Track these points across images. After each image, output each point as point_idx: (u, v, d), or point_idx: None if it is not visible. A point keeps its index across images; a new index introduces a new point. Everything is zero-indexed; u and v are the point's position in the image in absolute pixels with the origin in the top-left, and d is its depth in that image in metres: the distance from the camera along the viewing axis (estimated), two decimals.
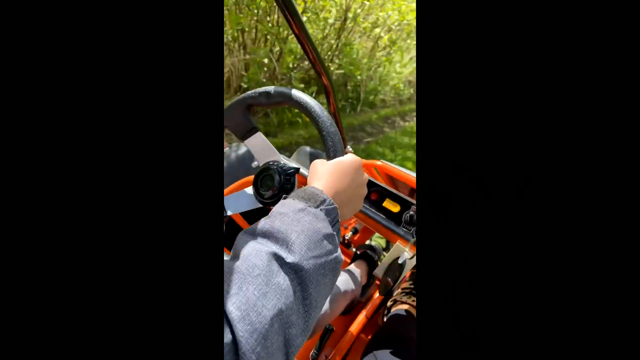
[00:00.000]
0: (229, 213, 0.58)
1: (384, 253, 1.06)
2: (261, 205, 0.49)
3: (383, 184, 0.71)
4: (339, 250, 0.34)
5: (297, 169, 0.48)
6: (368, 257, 0.99)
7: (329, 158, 0.43)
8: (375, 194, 0.70)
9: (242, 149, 1.01)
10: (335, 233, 0.34)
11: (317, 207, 0.35)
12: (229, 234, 0.88)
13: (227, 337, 0.26)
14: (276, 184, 0.46)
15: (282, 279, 0.29)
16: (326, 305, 0.75)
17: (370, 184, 0.71)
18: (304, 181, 0.56)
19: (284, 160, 0.51)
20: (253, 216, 0.82)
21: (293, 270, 0.30)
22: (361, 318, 0.92)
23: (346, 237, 1.14)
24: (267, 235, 0.32)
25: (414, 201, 0.68)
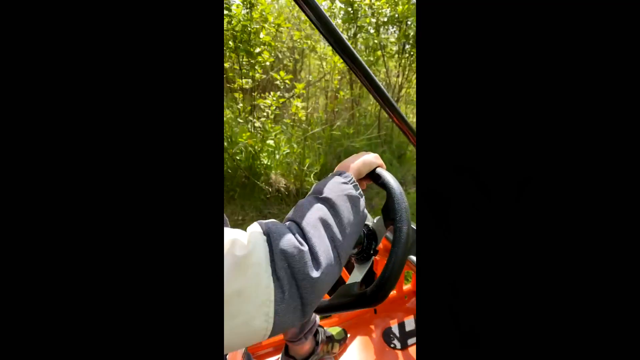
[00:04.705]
0: None
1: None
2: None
3: None
4: (354, 189, 0.51)
5: (382, 236, 0.59)
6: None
7: (395, 229, 0.49)
8: None
9: None
10: (347, 181, 0.52)
11: (339, 174, 0.55)
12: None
13: (289, 223, 0.46)
14: (362, 244, 0.59)
15: (318, 204, 0.48)
16: None
17: None
18: (387, 245, 0.63)
19: (372, 224, 0.62)
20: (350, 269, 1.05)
21: (325, 200, 0.49)
22: None
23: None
24: (311, 192, 0.53)
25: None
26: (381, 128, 3.59)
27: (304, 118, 2.79)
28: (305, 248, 0.41)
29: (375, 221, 0.61)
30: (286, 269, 0.40)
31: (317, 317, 1.03)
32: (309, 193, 0.53)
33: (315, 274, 0.41)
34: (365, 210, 0.52)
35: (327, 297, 0.70)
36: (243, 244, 0.40)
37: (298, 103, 2.65)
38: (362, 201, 0.51)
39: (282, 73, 2.63)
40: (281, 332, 0.41)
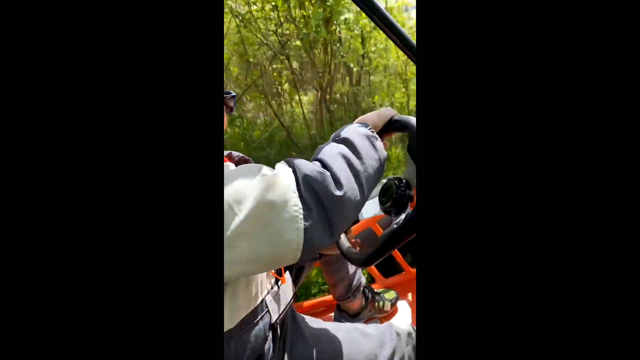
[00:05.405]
0: (363, 217, 1.03)
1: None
2: (383, 213, 0.64)
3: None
4: (371, 132, 0.54)
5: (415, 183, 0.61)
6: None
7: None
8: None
9: None
10: (363, 126, 0.56)
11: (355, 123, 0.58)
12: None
13: (316, 164, 0.47)
14: (395, 196, 0.59)
15: (336, 144, 0.51)
16: None
17: None
18: None
19: (403, 175, 0.64)
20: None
21: (342, 140, 0.52)
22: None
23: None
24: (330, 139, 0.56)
25: None
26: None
27: None
28: (327, 172, 0.46)
29: (406, 172, 0.62)
30: (311, 191, 0.44)
31: (363, 277, 1.08)
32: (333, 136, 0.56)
33: (338, 192, 0.45)
34: (384, 152, 0.55)
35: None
36: (271, 169, 0.46)
37: None
38: (380, 143, 0.54)
39: None
40: (312, 250, 0.45)
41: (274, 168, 0.48)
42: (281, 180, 0.44)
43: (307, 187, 0.44)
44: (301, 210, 0.43)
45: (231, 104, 0.63)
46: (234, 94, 0.63)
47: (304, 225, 0.43)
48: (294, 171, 0.46)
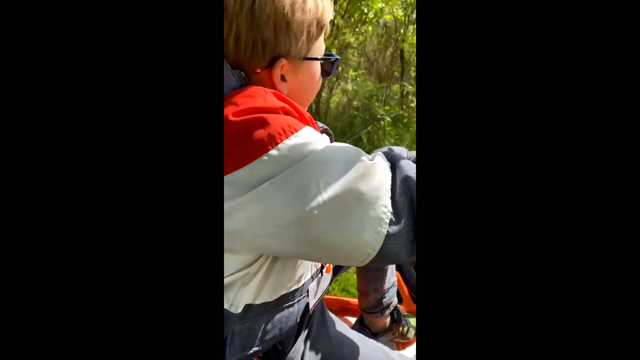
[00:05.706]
0: None
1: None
2: None
3: None
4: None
5: None
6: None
7: None
8: None
9: None
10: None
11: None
12: None
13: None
14: None
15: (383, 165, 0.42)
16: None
17: None
18: None
19: None
20: None
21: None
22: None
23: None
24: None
25: None
26: None
27: None
28: None
29: None
30: (407, 196, 0.38)
31: (396, 298, 1.01)
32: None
33: None
34: None
35: None
36: (369, 157, 0.40)
37: None
38: None
39: None
40: (384, 261, 0.40)
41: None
42: (378, 172, 0.39)
43: (405, 191, 0.38)
44: (389, 214, 0.37)
45: (328, 68, 0.54)
46: (337, 57, 0.55)
47: (387, 231, 0.37)
48: (393, 168, 0.40)
